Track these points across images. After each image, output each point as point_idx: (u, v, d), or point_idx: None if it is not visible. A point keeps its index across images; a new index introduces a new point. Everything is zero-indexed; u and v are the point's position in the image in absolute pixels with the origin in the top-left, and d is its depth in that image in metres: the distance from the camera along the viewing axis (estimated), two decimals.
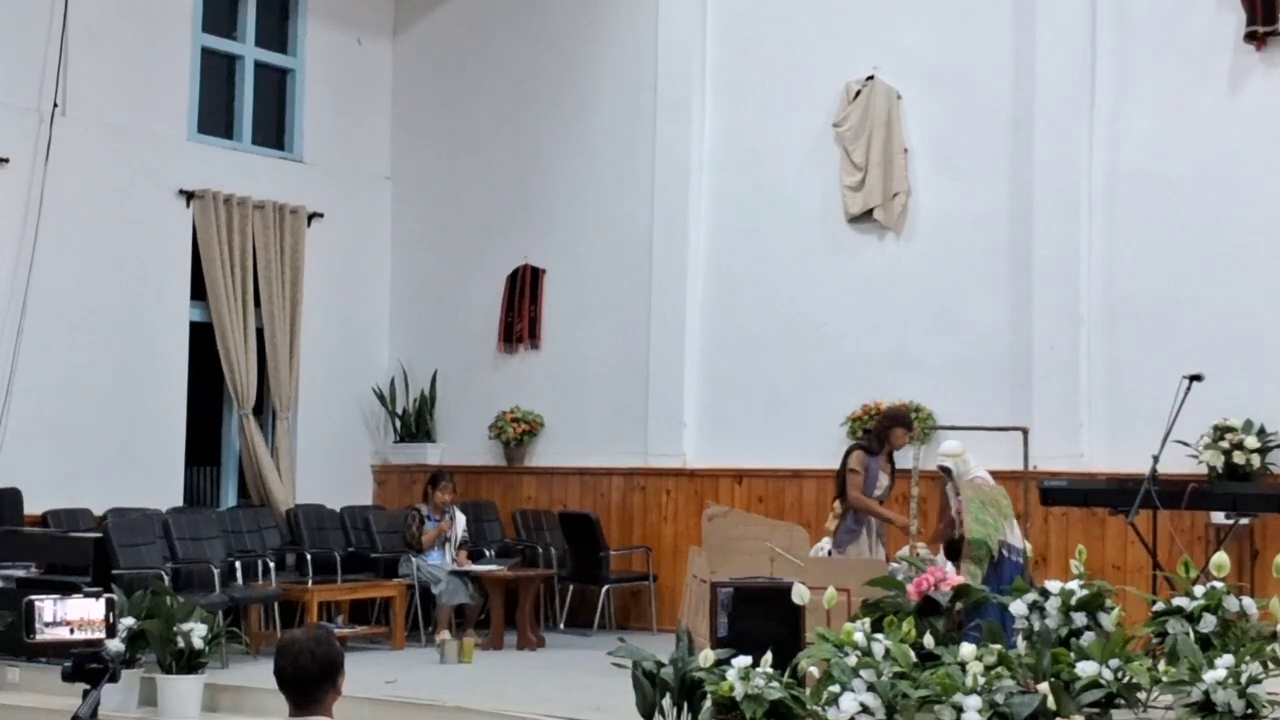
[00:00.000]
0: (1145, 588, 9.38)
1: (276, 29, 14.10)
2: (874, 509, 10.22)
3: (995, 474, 11.29)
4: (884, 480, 10.40)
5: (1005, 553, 9.22)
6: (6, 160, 11.84)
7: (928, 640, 7.03)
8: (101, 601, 4.50)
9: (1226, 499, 9.96)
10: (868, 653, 6.83)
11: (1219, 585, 7.10)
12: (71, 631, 4.46)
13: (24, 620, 4.44)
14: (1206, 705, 6.40)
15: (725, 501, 12.18)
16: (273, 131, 14.03)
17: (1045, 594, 7.39)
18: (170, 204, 12.92)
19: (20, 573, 10.57)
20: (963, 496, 9.33)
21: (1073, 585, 7.36)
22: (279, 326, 13.44)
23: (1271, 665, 6.61)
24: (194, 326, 13.09)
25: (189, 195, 12.97)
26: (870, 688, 6.66)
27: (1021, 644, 7.21)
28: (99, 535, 10.78)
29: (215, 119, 13.54)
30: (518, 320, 13.90)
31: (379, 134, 14.68)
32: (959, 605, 7.75)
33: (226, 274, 13.06)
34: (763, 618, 8.02)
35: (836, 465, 10.73)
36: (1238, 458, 10.50)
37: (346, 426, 14.23)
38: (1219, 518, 10.42)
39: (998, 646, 6.84)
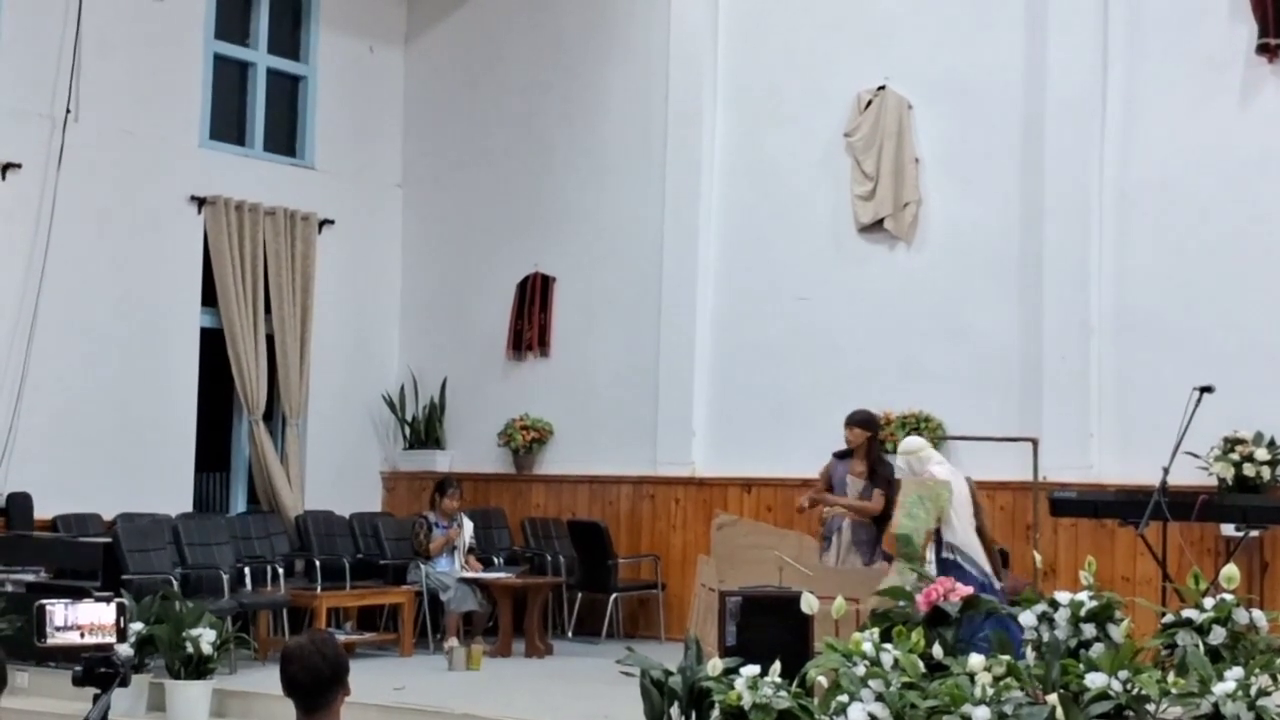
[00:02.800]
0: (1155, 599, 9.36)
1: (289, 36, 14.13)
2: (820, 498, 10.43)
3: (1004, 484, 11.35)
4: (856, 484, 10.38)
5: (951, 555, 9.13)
6: (19, 165, 11.87)
7: (936, 650, 7.02)
8: (112, 606, 4.50)
9: (1236, 511, 9.93)
10: (876, 662, 6.82)
11: (1229, 597, 7.08)
12: (82, 636, 4.47)
13: (35, 624, 4.45)
14: (1216, 718, 6.38)
15: (734, 510, 12.19)
16: (284, 138, 14.05)
17: (1055, 605, 7.37)
18: (181, 210, 12.94)
19: (30, 577, 10.59)
20: (902, 492, 9.25)
21: (1082, 596, 7.35)
22: (289, 333, 13.46)
23: None
24: (204, 332, 13.10)
25: (200, 201, 13.00)
26: (879, 698, 6.66)
27: (1030, 655, 7.20)
28: (108, 540, 10.80)
29: (227, 125, 13.56)
30: (527, 328, 13.91)
31: (390, 141, 14.70)
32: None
33: (237, 280, 13.08)
34: (771, 627, 8.02)
35: None
36: (1248, 470, 10.48)
37: (356, 433, 14.24)
38: (1229, 530, 10.40)
39: (1006, 657, 6.84)
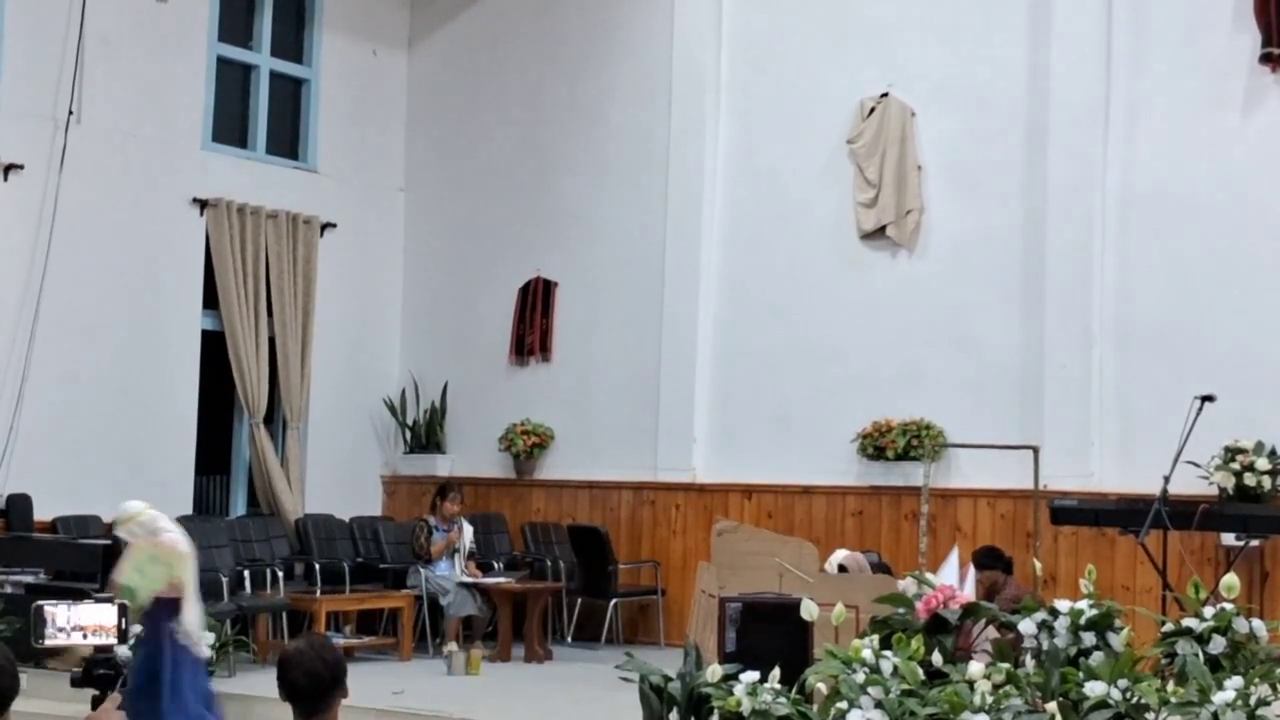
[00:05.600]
0: (1155, 608, 9.34)
1: (292, 39, 14.14)
2: None
3: (1005, 492, 11.35)
4: None
5: (174, 631, 8.24)
6: (21, 167, 11.88)
7: (936, 658, 7.02)
8: (114, 607, 4.50)
9: (1237, 520, 9.93)
10: (876, 670, 6.82)
11: (1229, 607, 7.07)
12: (84, 637, 4.46)
13: (32, 625, 4.44)
14: None
15: (734, 517, 12.17)
16: (287, 141, 14.06)
17: (1054, 613, 7.37)
18: (184, 213, 12.94)
19: (29, 579, 10.59)
20: (134, 544, 8.35)
21: (1082, 605, 7.34)
22: (291, 336, 13.46)
23: None
24: (206, 335, 13.11)
25: (203, 204, 13.00)
26: (878, 705, 6.65)
27: (1030, 663, 7.20)
28: (108, 542, 10.77)
29: (230, 128, 13.57)
30: (529, 333, 13.90)
31: (393, 145, 14.71)
32: None
33: (239, 283, 13.08)
34: (771, 633, 8.00)
35: (847, 482, 10.77)
36: (1248, 479, 10.48)
37: (357, 437, 14.24)
38: (1229, 539, 10.39)
39: (1006, 665, 6.83)
